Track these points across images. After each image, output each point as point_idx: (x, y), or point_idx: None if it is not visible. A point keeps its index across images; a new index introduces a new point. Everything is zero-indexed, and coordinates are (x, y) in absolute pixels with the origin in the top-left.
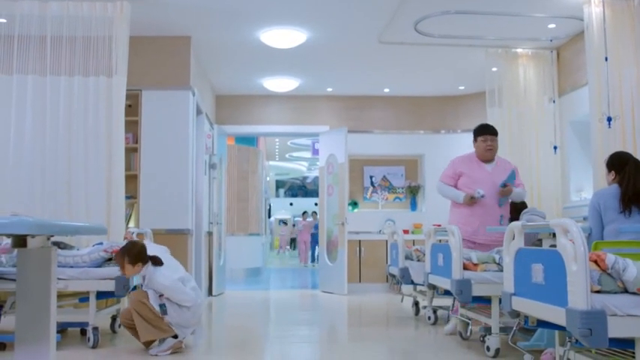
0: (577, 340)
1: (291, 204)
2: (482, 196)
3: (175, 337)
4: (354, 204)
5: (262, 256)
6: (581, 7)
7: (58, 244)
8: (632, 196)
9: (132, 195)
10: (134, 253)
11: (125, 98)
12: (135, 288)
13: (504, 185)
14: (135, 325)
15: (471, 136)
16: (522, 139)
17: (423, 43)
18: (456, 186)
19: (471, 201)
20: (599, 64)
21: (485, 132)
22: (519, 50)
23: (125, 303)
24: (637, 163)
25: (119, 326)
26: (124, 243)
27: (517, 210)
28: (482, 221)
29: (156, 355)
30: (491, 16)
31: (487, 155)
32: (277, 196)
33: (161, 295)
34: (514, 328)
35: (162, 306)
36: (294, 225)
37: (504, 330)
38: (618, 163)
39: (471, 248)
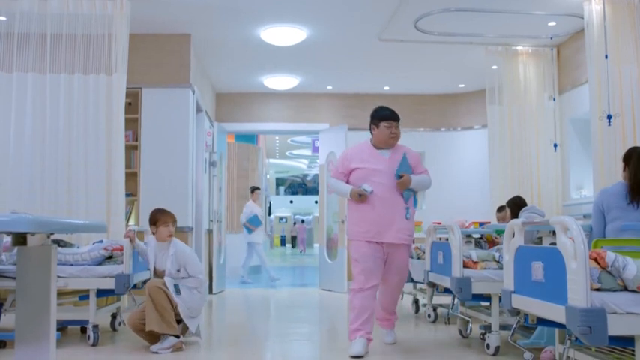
0: (577, 338)
1: (291, 202)
2: (371, 193)
3: (177, 336)
4: None
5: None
6: (581, 5)
7: (58, 242)
8: (634, 185)
9: (132, 193)
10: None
11: (125, 96)
12: (135, 286)
13: (399, 176)
14: (143, 327)
15: (471, 134)
16: (522, 137)
17: (423, 40)
18: (348, 182)
19: (360, 198)
20: (599, 62)
21: (390, 117)
22: (519, 48)
23: (126, 302)
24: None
25: (119, 324)
26: (124, 241)
27: (517, 208)
28: (383, 218)
29: (157, 353)
30: (492, 13)
31: (390, 143)
32: (277, 194)
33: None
34: (514, 325)
35: (176, 286)
36: (294, 223)
37: (504, 328)
38: (626, 157)
39: (371, 251)
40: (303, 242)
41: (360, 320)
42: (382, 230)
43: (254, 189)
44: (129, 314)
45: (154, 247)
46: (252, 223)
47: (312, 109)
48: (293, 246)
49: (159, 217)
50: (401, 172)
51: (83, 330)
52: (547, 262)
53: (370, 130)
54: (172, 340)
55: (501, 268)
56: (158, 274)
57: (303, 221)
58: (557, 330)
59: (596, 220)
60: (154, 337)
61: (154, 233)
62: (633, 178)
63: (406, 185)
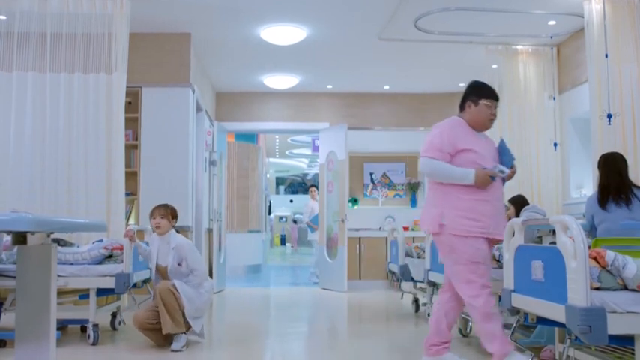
0: (577, 337)
1: (291, 201)
2: (504, 174)
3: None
4: (354, 201)
5: (262, 253)
6: (581, 4)
7: (58, 241)
8: (604, 189)
9: (132, 192)
10: (175, 211)
11: (125, 95)
12: (135, 285)
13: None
14: (150, 327)
15: None
16: (522, 136)
17: (423, 40)
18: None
19: (487, 182)
20: (599, 61)
21: (494, 96)
22: (519, 47)
23: (126, 301)
24: (607, 158)
25: (119, 323)
26: (124, 240)
27: (520, 206)
28: (498, 209)
29: (179, 351)
30: (492, 13)
31: (488, 126)
32: (277, 193)
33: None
34: (514, 324)
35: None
36: (294, 222)
37: (504, 327)
38: (597, 165)
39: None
40: (295, 240)
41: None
42: (496, 224)
43: (311, 186)
44: (134, 314)
45: (157, 243)
46: (315, 222)
47: (312, 109)
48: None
49: (151, 212)
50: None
51: (83, 329)
52: (547, 261)
53: (463, 106)
54: (184, 337)
55: (501, 267)
56: (160, 270)
57: (295, 221)
58: (557, 329)
59: (591, 227)
60: (160, 337)
61: None
62: (603, 181)
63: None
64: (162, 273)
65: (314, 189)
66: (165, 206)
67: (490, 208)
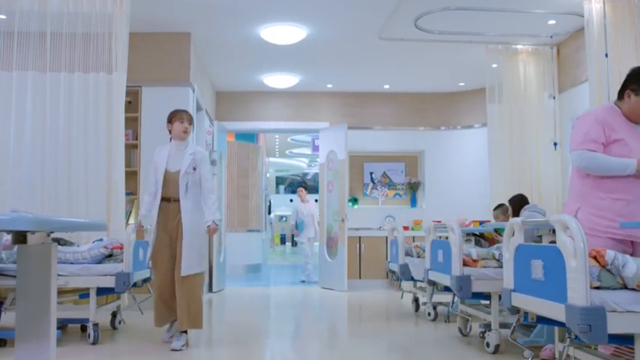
0: (577, 336)
1: (291, 200)
2: None
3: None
4: (355, 200)
5: (262, 253)
6: (581, 4)
7: (58, 241)
8: None
9: (132, 192)
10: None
11: (125, 95)
12: (135, 284)
13: None
14: (171, 303)
15: (471, 133)
16: (522, 136)
17: (423, 39)
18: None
19: None
20: (599, 61)
21: None
22: (519, 46)
23: (126, 300)
24: None
25: (119, 322)
26: (123, 240)
27: (519, 206)
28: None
29: (180, 350)
30: (492, 12)
31: None
32: (277, 192)
33: None
34: (514, 324)
35: (187, 184)
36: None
37: (504, 326)
38: None
39: (624, 250)
40: (272, 241)
41: None
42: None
43: (299, 186)
44: (157, 284)
45: (169, 149)
46: (297, 228)
47: (312, 108)
48: (293, 245)
49: (174, 114)
50: None
51: (83, 328)
52: (547, 260)
53: (622, 95)
54: (185, 336)
55: (501, 267)
56: (168, 177)
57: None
58: (557, 328)
59: None
60: (168, 318)
61: (170, 132)
62: None
63: None
64: (170, 180)
65: (301, 189)
66: (187, 111)
67: (631, 208)
